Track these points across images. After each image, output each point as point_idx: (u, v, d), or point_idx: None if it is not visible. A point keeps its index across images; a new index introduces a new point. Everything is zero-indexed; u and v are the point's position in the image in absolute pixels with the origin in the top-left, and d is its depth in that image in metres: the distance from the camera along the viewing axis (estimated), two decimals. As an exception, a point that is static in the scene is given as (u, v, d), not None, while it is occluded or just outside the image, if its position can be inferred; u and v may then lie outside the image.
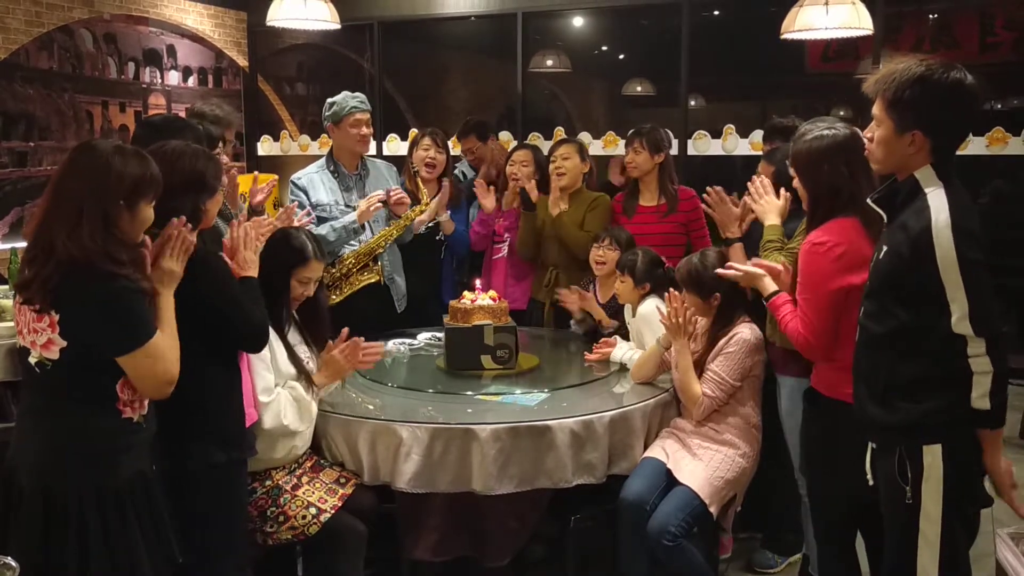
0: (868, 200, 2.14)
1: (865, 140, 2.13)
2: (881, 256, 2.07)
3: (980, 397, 1.95)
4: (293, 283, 2.71)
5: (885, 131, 2.03)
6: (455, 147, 4.75)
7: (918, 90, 1.96)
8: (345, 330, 2.80)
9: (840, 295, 2.33)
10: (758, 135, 5.41)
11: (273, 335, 2.63)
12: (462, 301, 3.26)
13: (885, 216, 2.11)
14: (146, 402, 2.06)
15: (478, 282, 3.45)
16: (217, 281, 2.22)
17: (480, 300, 3.24)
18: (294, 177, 3.76)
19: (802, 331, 2.39)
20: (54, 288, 1.90)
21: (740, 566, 3.34)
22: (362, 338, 2.81)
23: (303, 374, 2.71)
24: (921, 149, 2.00)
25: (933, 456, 1.97)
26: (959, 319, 1.92)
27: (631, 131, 3.87)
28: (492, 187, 4.13)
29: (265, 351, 2.57)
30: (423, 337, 3.67)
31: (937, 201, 1.95)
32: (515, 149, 4.18)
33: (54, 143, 5.78)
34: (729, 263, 2.68)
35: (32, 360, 1.96)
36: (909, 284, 1.98)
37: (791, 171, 2.54)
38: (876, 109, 2.05)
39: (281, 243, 2.71)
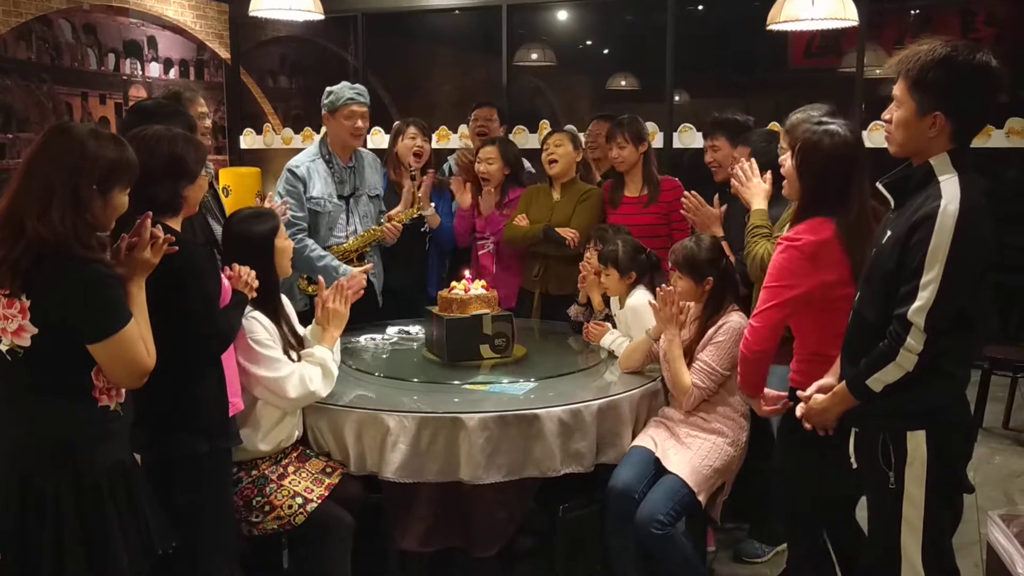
0: (878, 184, 2.09)
1: (883, 121, 2.07)
2: (884, 242, 2.03)
3: (877, 381, 1.97)
4: (279, 245, 2.70)
5: (905, 112, 1.98)
6: (439, 140, 4.76)
7: (943, 70, 1.91)
8: (325, 282, 2.92)
9: (806, 297, 2.31)
10: (744, 128, 5.40)
11: (263, 316, 2.62)
12: (453, 292, 3.22)
13: (893, 202, 2.05)
14: (123, 390, 2.01)
15: (467, 272, 3.42)
16: (193, 272, 2.17)
17: (474, 290, 3.22)
18: (291, 165, 3.70)
19: (753, 324, 2.39)
20: (24, 272, 1.84)
21: (727, 556, 3.34)
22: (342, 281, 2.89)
23: (300, 347, 2.72)
24: (941, 133, 1.95)
25: (917, 442, 1.97)
26: (918, 308, 1.89)
27: (611, 126, 3.82)
28: (468, 184, 4.12)
29: (262, 334, 2.57)
30: (416, 328, 3.64)
31: (951, 189, 1.91)
32: (481, 146, 4.16)
33: (32, 135, 5.70)
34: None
35: (3, 348, 1.90)
36: (899, 266, 1.95)
37: (782, 156, 2.53)
38: (898, 89, 2.00)
39: (253, 220, 2.71)
